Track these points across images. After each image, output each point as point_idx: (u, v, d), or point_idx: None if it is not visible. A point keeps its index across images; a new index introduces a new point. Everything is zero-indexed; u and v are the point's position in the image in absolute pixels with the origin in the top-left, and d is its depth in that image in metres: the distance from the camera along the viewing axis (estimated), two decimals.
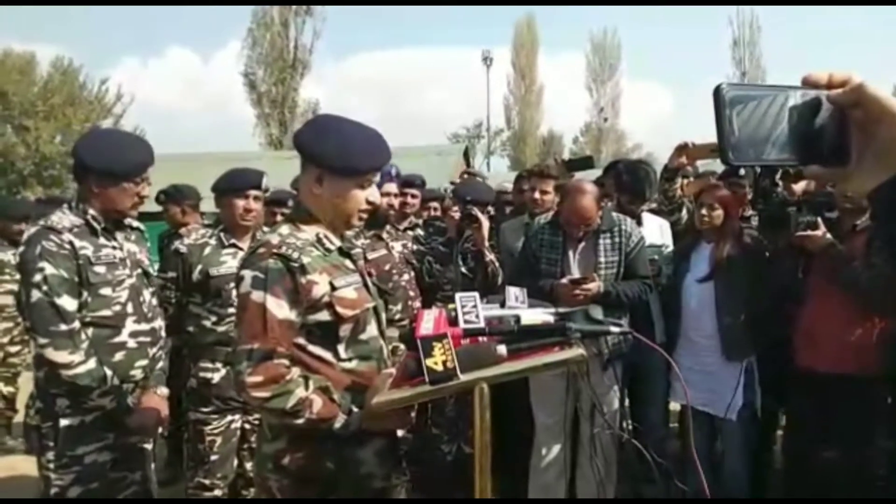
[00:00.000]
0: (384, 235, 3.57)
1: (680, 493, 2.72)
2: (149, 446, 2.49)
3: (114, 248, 2.34)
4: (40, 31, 57.82)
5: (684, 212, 3.77)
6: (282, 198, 3.90)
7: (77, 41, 62.81)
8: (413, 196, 3.97)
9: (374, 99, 57.36)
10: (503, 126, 41.56)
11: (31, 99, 25.81)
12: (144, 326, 2.39)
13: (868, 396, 2.81)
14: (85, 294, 2.23)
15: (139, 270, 2.44)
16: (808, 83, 0.73)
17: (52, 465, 2.24)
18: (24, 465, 4.30)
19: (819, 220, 2.95)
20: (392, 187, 3.48)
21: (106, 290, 2.27)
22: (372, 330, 1.81)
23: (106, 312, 2.27)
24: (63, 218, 2.25)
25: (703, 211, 3.29)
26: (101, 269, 2.26)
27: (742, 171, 4.02)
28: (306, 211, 1.81)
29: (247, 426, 3.02)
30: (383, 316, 1.91)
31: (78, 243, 2.21)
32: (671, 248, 3.60)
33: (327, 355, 1.74)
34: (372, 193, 1.81)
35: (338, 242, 1.82)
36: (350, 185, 1.76)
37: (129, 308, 2.34)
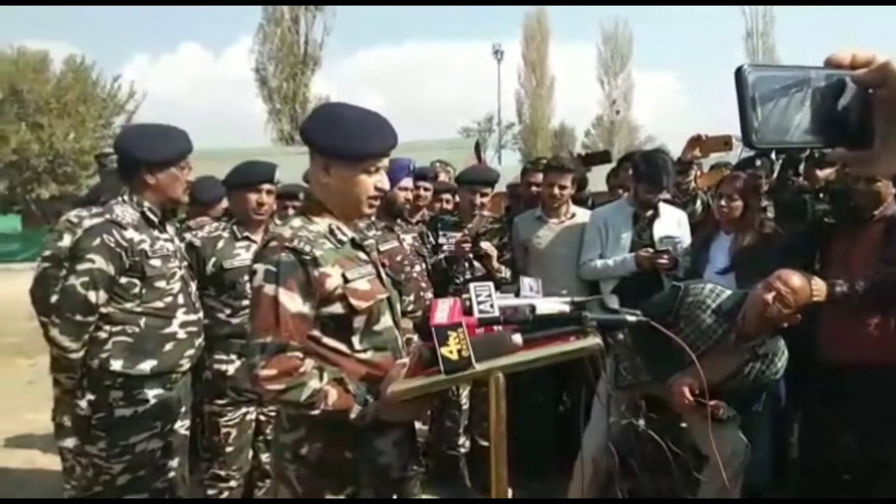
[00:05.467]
0: (395, 228, 3.57)
1: (697, 484, 2.72)
2: (188, 433, 2.60)
3: (166, 240, 2.46)
4: (53, 29, 58.37)
5: (698, 204, 3.73)
6: (293, 191, 3.91)
7: (89, 39, 63.46)
8: (425, 189, 3.97)
9: (384, 93, 57.41)
10: (514, 120, 41.55)
11: (45, 97, 26.09)
12: (192, 317, 2.51)
13: (888, 387, 2.77)
14: (139, 286, 2.35)
15: (186, 262, 2.56)
16: (831, 64, 0.71)
17: (103, 454, 2.34)
18: (43, 460, 4.34)
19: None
20: (409, 182, 3.47)
21: (160, 283, 2.40)
22: (386, 321, 1.80)
23: (159, 304, 2.40)
24: (125, 212, 2.37)
25: (723, 202, 3.26)
26: (156, 262, 2.39)
27: (758, 163, 3.99)
28: (317, 202, 1.81)
29: (262, 418, 3.04)
30: (398, 307, 1.91)
31: (137, 237, 2.34)
32: (688, 240, 3.56)
33: (342, 347, 1.73)
34: (380, 180, 1.79)
35: (350, 234, 1.81)
36: (357, 172, 1.75)
37: (181, 299, 2.46)
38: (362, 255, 1.82)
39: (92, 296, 2.28)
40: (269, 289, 1.64)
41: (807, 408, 3.28)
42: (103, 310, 2.33)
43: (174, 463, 2.49)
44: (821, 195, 3.02)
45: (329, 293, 1.68)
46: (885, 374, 2.77)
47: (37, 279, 3.09)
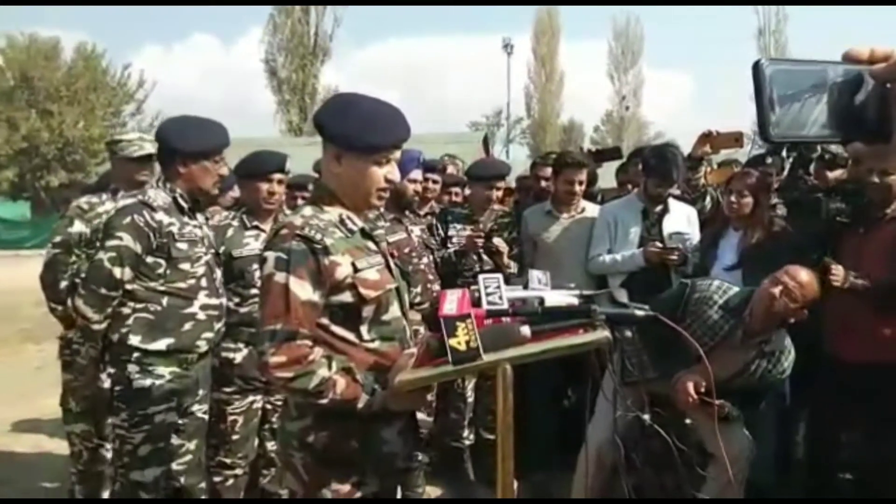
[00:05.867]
0: (403, 219, 3.57)
1: (701, 480, 2.72)
2: (206, 416, 2.68)
3: (195, 226, 2.57)
4: (65, 16, 58.49)
5: (707, 200, 3.72)
6: (303, 182, 3.92)
7: (101, 27, 63.53)
8: (434, 181, 3.96)
9: (393, 86, 57.33)
10: (523, 114, 41.46)
11: (56, 84, 26.12)
12: (214, 301, 2.59)
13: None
14: (164, 266, 2.46)
15: (213, 250, 2.67)
16: (849, 58, 0.71)
17: (125, 425, 2.46)
18: (50, 444, 4.37)
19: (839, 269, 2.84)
20: (419, 174, 3.47)
21: (185, 265, 2.50)
22: (394, 311, 1.81)
23: (181, 285, 2.50)
24: (157, 196, 2.48)
25: (733, 198, 3.24)
26: (183, 246, 2.49)
27: (769, 160, 3.96)
28: (328, 191, 1.81)
29: (268, 406, 3.05)
30: (406, 297, 1.91)
31: (167, 220, 2.45)
32: (697, 236, 3.55)
33: (350, 336, 1.74)
34: (391, 171, 1.78)
35: (360, 223, 1.81)
36: (368, 163, 1.75)
37: (204, 282, 2.55)
38: (372, 245, 1.82)
39: (117, 271, 2.38)
40: (279, 276, 1.65)
41: (813, 406, 3.27)
42: (128, 287, 2.43)
43: (192, 446, 2.57)
44: (834, 194, 3.00)
45: (339, 282, 1.68)
46: (892, 373, 2.74)
47: (47, 265, 3.10)
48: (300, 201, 3.65)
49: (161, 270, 2.45)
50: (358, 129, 1.72)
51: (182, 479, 2.55)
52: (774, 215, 3.42)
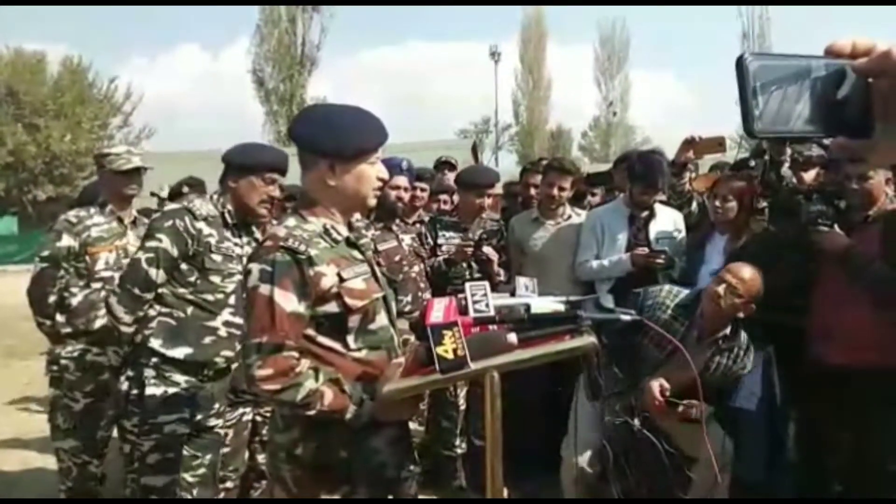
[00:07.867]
0: (393, 227, 3.57)
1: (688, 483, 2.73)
2: (223, 431, 2.71)
3: (236, 244, 2.60)
4: (50, 30, 58.26)
5: (693, 206, 3.74)
6: (297, 192, 3.90)
7: (87, 40, 63.15)
8: (422, 190, 3.97)
9: (381, 95, 57.37)
10: (511, 121, 41.60)
11: (42, 98, 26.00)
12: (239, 320, 2.57)
13: (883, 388, 2.76)
14: (196, 274, 2.50)
15: None
16: (831, 53, 0.71)
17: (136, 430, 2.51)
18: (38, 461, 4.33)
19: (834, 224, 2.88)
20: (402, 180, 3.47)
21: (215, 278, 2.54)
22: (382, 319, 1.81)
23: (209, 297, 2.53)
24: (203, 206, 2.55)
25: (717, 202, 3.27)
26: (217, 258, 2.53)
27: (752, 164, 3.99)
28: (311, 201, 1.81)
29: (258, 419, 3.04)
30: (393, 305, 1.91)
31: (206, 230, 2.53)
32: (684, 239, 3.57)
33: (337, 346, 1.74)
34: (380, 170, 1.83)
35: (345, 233, 1.82)
36: (363, 167, 1.78)
37: (231, 300, 2.58)
38: (357, 255, 1.83)
39: (153, 272, 2.44)
40: (264, 289, 1.65)
41: (802, 407, 3.28)
42: (158, 290, 2.47)
43: (206, 460, 2.60)
44: (814, 196, 3.02)
45: (324, 292, 1.68)
46: (879, 375, 2.76)
47: (34, 279, 3.08)
48: None
49: (192, 278, 2.50)
50: (346, 137, 1.75)
51: (195, 492, 2.57)
52: (757, 218, 3.44)
